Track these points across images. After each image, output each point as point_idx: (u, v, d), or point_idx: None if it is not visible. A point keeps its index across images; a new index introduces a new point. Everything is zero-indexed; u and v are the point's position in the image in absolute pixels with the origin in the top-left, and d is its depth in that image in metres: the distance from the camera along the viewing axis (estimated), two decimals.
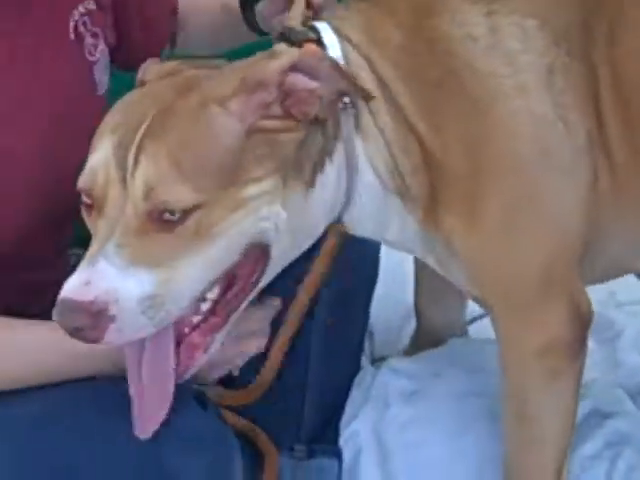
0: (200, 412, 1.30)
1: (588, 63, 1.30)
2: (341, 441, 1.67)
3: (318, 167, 1.25)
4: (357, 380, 1.74)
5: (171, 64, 1.32)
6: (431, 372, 1.71)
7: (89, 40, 1.52)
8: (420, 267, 1.71)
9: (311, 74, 1.20)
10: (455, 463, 1.59)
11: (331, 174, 1.27)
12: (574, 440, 1.47)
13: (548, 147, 1.30)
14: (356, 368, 1.76)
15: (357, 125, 1.29)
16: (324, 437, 1.68)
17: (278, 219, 1.21)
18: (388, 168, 1.31)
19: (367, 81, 1.28)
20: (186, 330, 1.23)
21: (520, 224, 1.32)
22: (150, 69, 1.31)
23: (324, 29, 1.31)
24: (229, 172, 1.16)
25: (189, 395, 1.31)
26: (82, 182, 1.19)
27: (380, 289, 1.77)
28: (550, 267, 1.34)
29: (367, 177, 1.31)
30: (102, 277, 1.12)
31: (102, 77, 1.54)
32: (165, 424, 1.23)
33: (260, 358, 1.49)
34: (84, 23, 1.51)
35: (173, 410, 1.24)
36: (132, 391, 1.22)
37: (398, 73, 1.29)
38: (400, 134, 1.29)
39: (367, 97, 1.25)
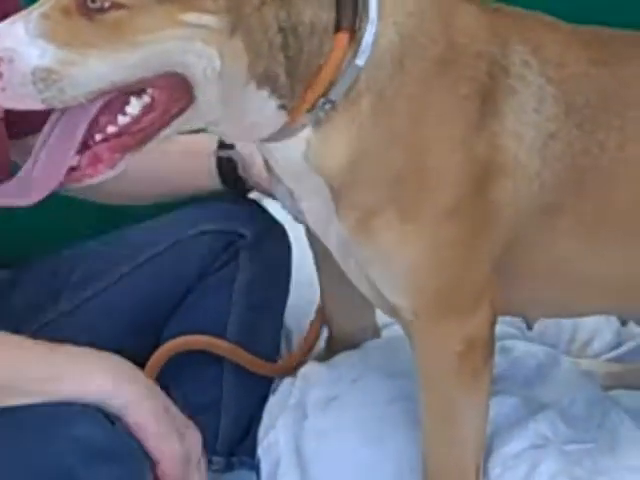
0: (109, 427, 1.27)
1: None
2: (259, 451, 1.63)
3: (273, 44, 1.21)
4: (273, 388, 1.71)
5: None
6: (348, 378, 1.68)
7: None
8: (324, 274, 1.69)
9: None
10: (375, 470, 1.56)
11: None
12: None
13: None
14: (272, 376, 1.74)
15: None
16: (242, 448, 1.65)
17: (209, 63, 1.17)
18: None
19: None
20: (97, 137, 1.21)
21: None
22: None
23: None
24: None
25: (96, 410, 1.28)
26: None
27: (292, 290, 1.74)
28: (485, 273, 1.37)
29: None
30: (11, 36, 1.13)
31: None
32: (74, 437, 1.21)
33: None
34: None
35: (82, 423, 1.22)
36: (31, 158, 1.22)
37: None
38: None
39: None
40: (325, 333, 1.81)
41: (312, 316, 1.77)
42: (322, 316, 1.75)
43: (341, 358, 1.74)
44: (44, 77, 1.13)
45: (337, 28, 1.25)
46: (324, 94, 1.26)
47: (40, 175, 1.21)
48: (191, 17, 1.15)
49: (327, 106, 1.26)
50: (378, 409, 1.63)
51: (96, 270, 1.69)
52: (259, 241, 1.67)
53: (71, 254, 1.74)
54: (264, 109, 1.25)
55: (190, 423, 1.40)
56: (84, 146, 1.21)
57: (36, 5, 1.16)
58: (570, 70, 1.37)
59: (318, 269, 1.69)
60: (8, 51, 1.12)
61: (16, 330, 1.35)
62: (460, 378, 1.41)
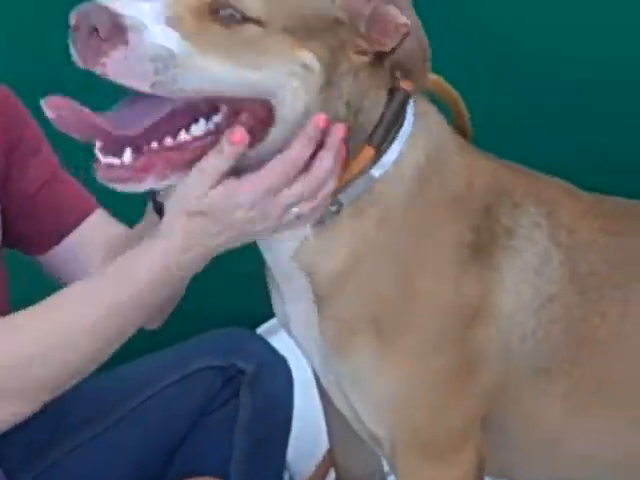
0: None
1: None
2: None
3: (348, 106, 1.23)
4: None
5: None
6: None
7: None
8: (331, 417, 1.65)
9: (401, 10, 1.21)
10: None
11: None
12: None
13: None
14: None
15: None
16: None
17: (294, 105, 1.18)
18: None
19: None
20: (153, 145, 1.17)
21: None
22: None
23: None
24: (303, 27, 1.16)
25: None
26: None
27: (295, 432, 1.71)
28: (468, 418, 1.34)
29: None
30: (140, 10, 1.11)
31: None
32: None
33: None
34: None
35: None
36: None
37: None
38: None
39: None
40: (332, 476, 1.79)
41: (319, 458, 1.75)
42: (330, 459, 1.73)
43: None
44: (165, 58, 1.11)
45: (369, 139, 1.26)
46: (334, 194, 1.25)
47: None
48: (305, 56, 1.17)
49: (334, 208, 1.26)
50: None
51: (97, 410, 1.65)
52: (259, 376, 1.64)
53: (71, 394, 1.72)
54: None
55: None
56: (137, 149, 1.17)
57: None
58: (580, 237, 1.36)
59: (325, 413, 1.66)
60: (138, 23, 1.10)
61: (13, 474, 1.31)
62: None
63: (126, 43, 1.09)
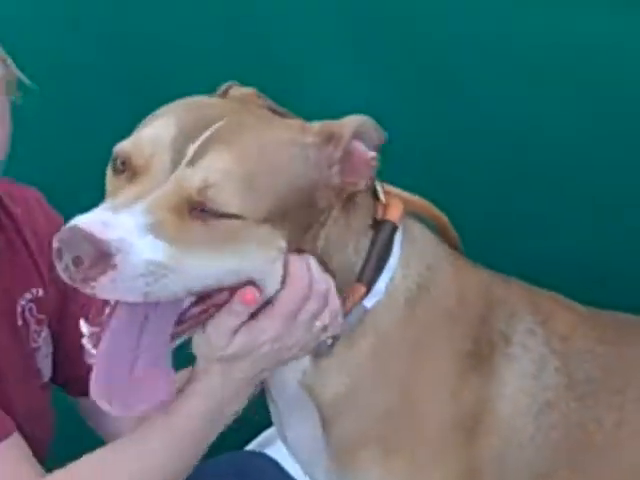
0: None
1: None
2: None
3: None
4: None
5: (253, 91, 1.35)
6: None
7: (33, 326, 1.50)
8: None
9: (369, 143, 1.24)
10: None
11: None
12: None
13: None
14: None
15: None
16: None
17: (277, 277, 1.22)
18: None
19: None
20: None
21: None
22: (234, 89, 1.35)
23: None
24: (280, 214, 1.19)
25: None
26: (124, 147, 1.20)
27: None
28: None
29: None
30: (121, 226, 1.12)
31: (45, 364, 1.52)
32: None
33: None
34: (30, 309, 1.49)
35: None
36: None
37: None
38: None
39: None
40: None
41: None
42: None
43: None
44: (154, 271, 1.12)
45: (358, 277, 1.28)
46: None
47: (148, 373, 1.20)
48: (281, 242, 1.21)
49: (329, 341, 1.28)
50: None
51: None
52: None
53: None
54: None
55: None
56: None
57: (127, 196, 1.16)
58: (576, 345, 1.38)
59: None
60: (123, 242, 1.11)
61: None
62: None
63: (114, 267, 1.09)
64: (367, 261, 1.29)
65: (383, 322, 1.30)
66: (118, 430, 1.68)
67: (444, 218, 1.41)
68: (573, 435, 1.36)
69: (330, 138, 1.23)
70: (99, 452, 1.35)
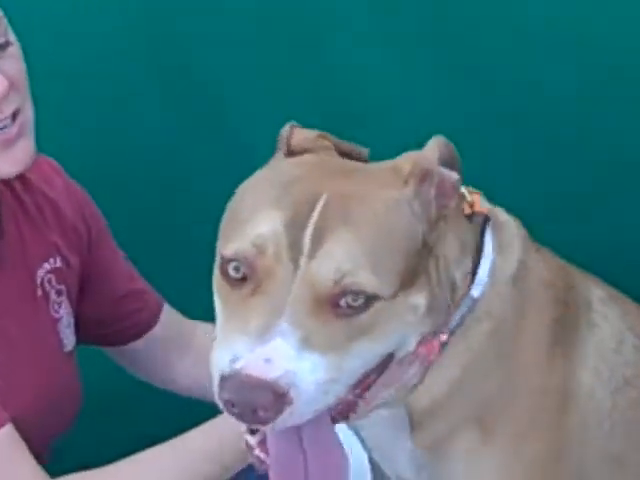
0: None
1: None
2: None
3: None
4: None
5: (315, 135, 1.27)
6: None
7: (54, 297, 1.51)
8: None
9: (450, 165, 1.20)
10: None
11: None
12: None
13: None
14: None
15: None
16: None
17: (412, 337, 1.19)
18: None
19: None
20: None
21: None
22: (297, 134, 1.26)
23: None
24: (409, 274, 1.15)
25: None
26: (243, 251, 1.12)
27: None
28: None
29: None
30: (281, 355, 1.07)
31: (67, 334, 1.53)
32: None
33: None
34: (49, 280, 1.51)
35: None
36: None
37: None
38: None
39: None
40: None
41: None
42: None
43: None
44: (324, 389, 1.10)
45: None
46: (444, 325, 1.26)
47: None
48: (416, 299, 1.17)
49: (444, 337, 1.26)
50: None
51: None
52: None
53: None
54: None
55: None
56: None
57: (263, 314, 1.09)
58: None
59: None
60: (290, 374, 1.07)
61: None
62: None
63: (290, 403, 1.07)
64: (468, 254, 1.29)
65: (494, 305, 1.28)
66: (169, 376, 1.76)
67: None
68: None
69: (424, 178, 1.18)
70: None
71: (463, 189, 1.30)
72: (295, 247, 1.10)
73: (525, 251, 1.33)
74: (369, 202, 1.14)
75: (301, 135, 1.25)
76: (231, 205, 1.20)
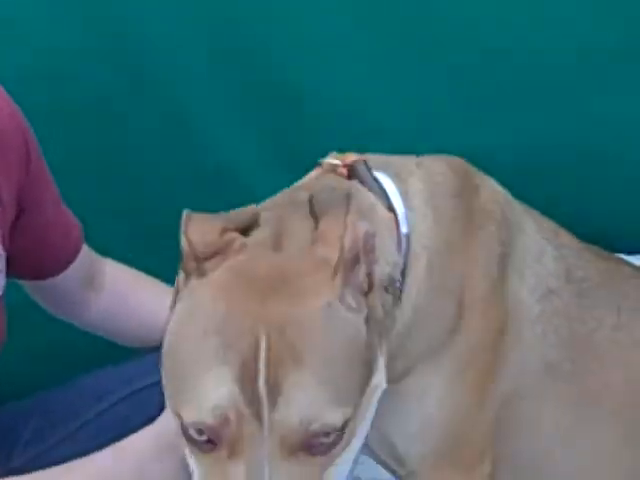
0: None
1: None
2: None
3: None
4: None
5: (214, 230, 1.14)
6: None
7: None
8: None
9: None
10: None
11: None
12: None
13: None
14: None
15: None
16: None
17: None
18: None
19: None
20: None
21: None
22: (195, 235, 1.13)
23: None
24: (365, 372, 1.10)
25: None
26: (204, 421, 1.05)
27: None
28: (490, 426, 1.36)
29: None
30: None
31: None
32: None
33: None
34: None
35: None
36: None
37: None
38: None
39: None
40: None
41: None
42: None
43: None
44: None
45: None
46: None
47: None
48: (376, 379, 1.14)
49: (398, 284, 1.27)
50: None
51: (53, 421, 1.62)
52: None
53: (26, 407, 1.67)
54: None
55: None
56: None
57: (247, 474, 1.05)
58: (573, 246, 1.42)
59: None
60: None
61: None
62: None
63: None
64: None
65: (424, 236, 1.29)
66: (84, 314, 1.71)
67: None
68: (574, 328, 1.38)
69: (354, 259, 1.11)
70: None
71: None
72: (254, 402, 1.05)
73: (420, 179, 1.33)
74: (308, 324, 1.07)
75: (199, 235, 1.14)
76: (168, 352, 1.14)
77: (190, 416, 1.06)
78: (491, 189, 1.39)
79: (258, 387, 1.04)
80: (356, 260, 1.10)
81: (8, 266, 1.49)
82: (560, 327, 1.37)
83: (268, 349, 1.04)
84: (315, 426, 1.04)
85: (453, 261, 1.31)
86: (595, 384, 1.40)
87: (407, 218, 1.29)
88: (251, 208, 1.21)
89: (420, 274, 1.28)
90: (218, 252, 1.14)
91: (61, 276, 1.63)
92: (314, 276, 1.09)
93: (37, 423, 1.62)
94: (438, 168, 1.36)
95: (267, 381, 1.04)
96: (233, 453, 1.05)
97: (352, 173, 1.31)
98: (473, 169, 1.40)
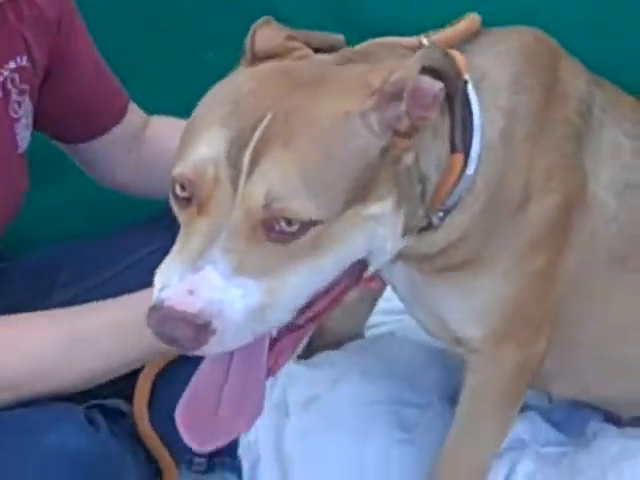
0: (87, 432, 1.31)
1: None
2: (239, 450, 1.63)
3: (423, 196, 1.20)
4: None
5: (283, 36, 1.20)
6: (330, 378, 1.68)
7: (15, 97, 1.46)
8: None
9: (437, 74, 1.12)
10: (360, 467, 1.58)
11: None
12: None
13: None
14: None
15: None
16: (224, 450, 1.60)
17: (385, 241, 1.16)
18: None
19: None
20: (274, 333, 1.17)
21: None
22: (260, 36, 1.19)
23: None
24: (359, 190, 1.10)
25: (79, 415, 1.32)
26: (185, 173, 1.09)
27: None
28: (550, 306, 1.39)
29: None
30: (207, 285, 1.05)
31: (23, 135, 1.49)
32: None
33: None
34: (12, 79, 1.45)
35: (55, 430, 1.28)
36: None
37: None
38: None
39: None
40: None
41: None
42: None
43: (322, 358, 1.74)
44: (254, 317, 1.07)
45: (452, 149, 1.23)
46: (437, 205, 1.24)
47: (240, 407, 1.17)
48: (374, 209, 1.12)
49: (441, 214, 1.25)
50: (360, 409, 1.63)
51: (85, 271, 1.68)
52: None
53: (60, 253, 1.74)
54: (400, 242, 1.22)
55: None
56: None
57: (202, 238, 1.07)
58: None
59: None
60: (215, 304, 1.05)
61: None
62: (506, 399, 1.45)
63: (214, 332, 1.05)
64: (453, 133, 1.21)
65: (488, 178, 1.26)
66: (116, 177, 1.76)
67: None
68: None
69: (394, 93, 1.11)
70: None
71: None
72: (235, 168, 1.07)
73: (515, 93, 1.27)
74: (315, 119, 1.09)
75: (265, 37, 1.19)
76: (189, 120, 1.16)
77: (177, 170, 1.12)
78: (572, 67, 1.35)
79: (244, 154, 1.08)
80: (398, 95, 1.11)
81: (45, 128, 1.58)
82: (637, 222, 1.38)
83: (268, 126, 1.09)
84: (277, 205, 1.06)
85: (526, 131, 1.27)
86: None
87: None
88: (340, 38, 1.24)
89: (495, 139, 1.26)
90: (278, 55, 1.19)
91: (101, 139, 1.67)
92: (350, 90, 1.13)
93: (70, 270, 1.69)
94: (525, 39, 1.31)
95: (254, 152, 1.08)
96: (201, 211, 1.09)
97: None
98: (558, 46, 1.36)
